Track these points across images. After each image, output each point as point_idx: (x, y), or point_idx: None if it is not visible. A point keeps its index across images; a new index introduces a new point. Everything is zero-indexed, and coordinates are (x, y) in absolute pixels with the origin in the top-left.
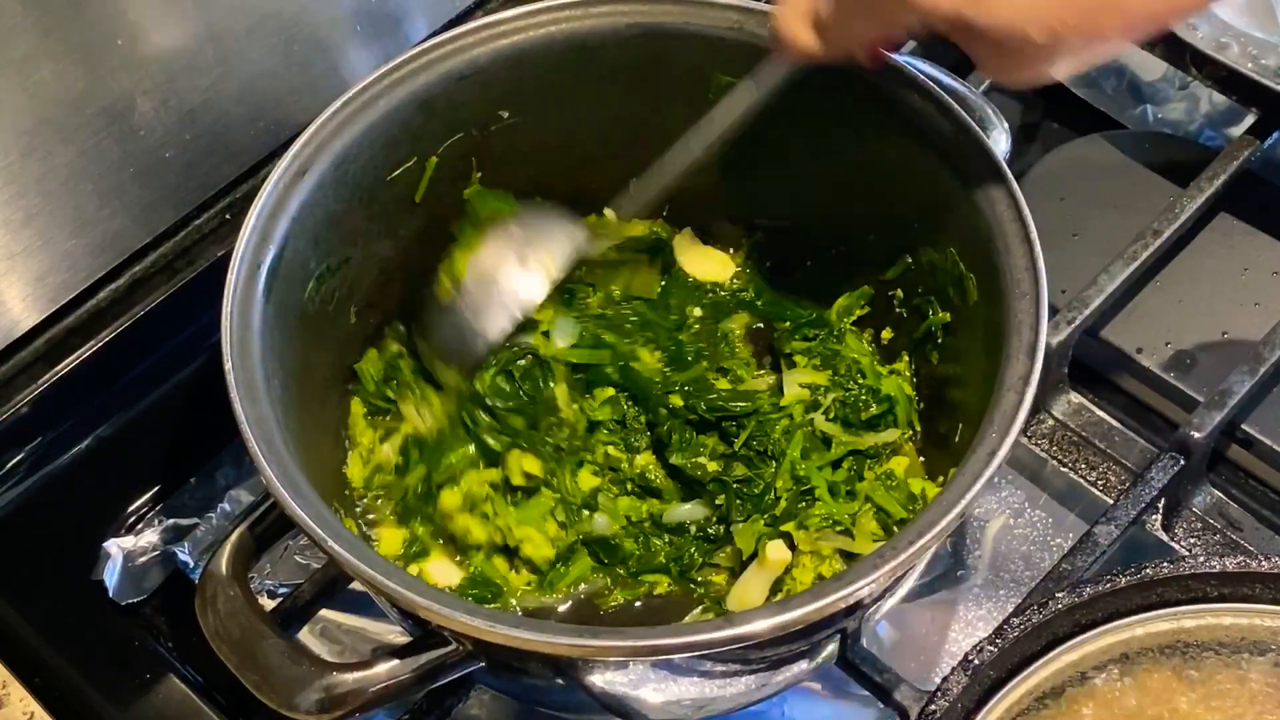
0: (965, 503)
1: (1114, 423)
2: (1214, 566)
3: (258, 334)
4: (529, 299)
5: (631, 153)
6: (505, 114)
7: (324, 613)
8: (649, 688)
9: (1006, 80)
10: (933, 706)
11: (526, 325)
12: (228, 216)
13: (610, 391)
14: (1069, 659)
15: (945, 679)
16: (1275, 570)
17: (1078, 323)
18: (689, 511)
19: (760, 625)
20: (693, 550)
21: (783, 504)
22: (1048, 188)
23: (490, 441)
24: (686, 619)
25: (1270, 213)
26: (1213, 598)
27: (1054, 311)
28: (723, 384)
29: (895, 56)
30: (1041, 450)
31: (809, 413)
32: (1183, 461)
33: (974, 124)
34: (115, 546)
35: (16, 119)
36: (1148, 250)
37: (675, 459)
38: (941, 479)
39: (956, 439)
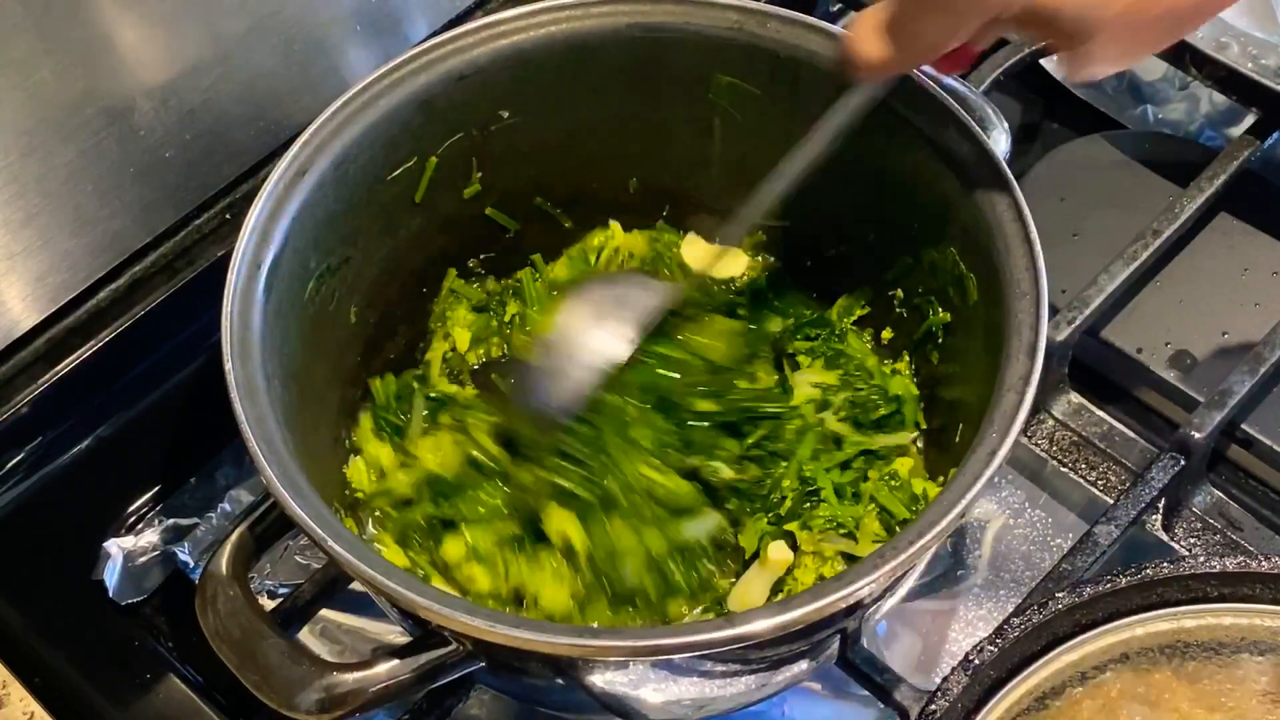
0: (965, 503)
1: (1114, 423)
2: (1214, 566)
3: (258, 334)
4: (613, 356)
5: (631, 153)
6: (505, 114)
7: (324, 613)
8: (649, 688)
9: (1087, 74)
10: (933, 706)
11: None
12: (228, 216)
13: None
14: (1069, 659)
15: (945, 679)
16: (1275, 570)
17: (1078, 323)
18: (704, 525)
19: (760, 625)
20: (709, 566)
21: (788, 503)
22: (1048, 188)
23: (582, 493)
24: (686, 619)
25: (1270, 213)
26: (1213, 598)
27: (1054, 311)
28: (742, 383)
29: None
30: (1041, 450)
31: (820, 412)
32: (1183, 461)
33: (974, 124)
34: (115, 546)
35: (16, 119)
36: (1148, 250)
37: (696, 461)
38: (941, 479)
39: (956, 439)
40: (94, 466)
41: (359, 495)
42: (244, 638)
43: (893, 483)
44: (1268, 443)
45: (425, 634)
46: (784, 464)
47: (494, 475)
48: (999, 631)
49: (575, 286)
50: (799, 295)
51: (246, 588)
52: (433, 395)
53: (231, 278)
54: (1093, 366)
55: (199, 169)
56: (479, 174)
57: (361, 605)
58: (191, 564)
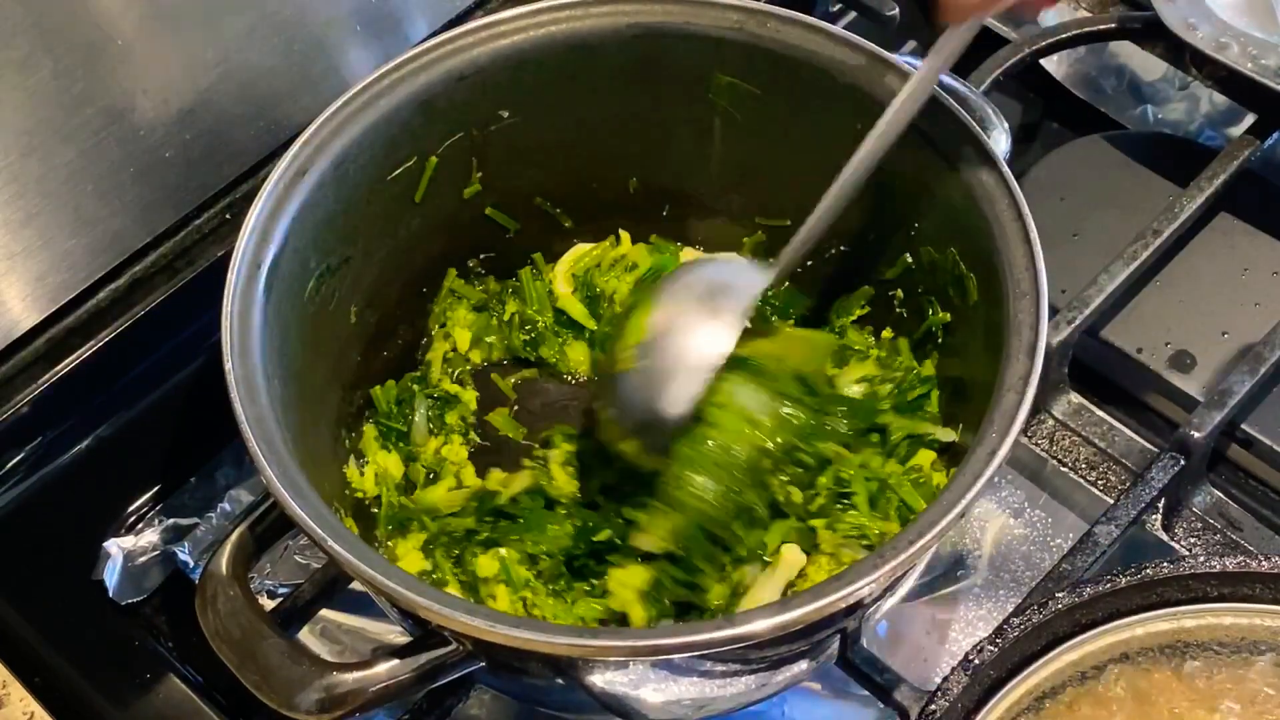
0: (965, 503)
1: (1114, 423)
2: (1214, 566)
3: (258, 334)
4: (719, 349)
5: (631, 153)
6: (505, 114)
7: (324, 613)
8: (649, 688)
9: None
10: (933, 706)
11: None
12: (228, 216)
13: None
14: (1069, 659)
15: (945, 679)
16: (1275, 570)
17: (1078, 323)
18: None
19: (760, 625)
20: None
21: (820, 500)
22: (1048, 188)
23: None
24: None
25: (1270, 213)
26: (1213, 598)
27: (1054, 311)
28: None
29: (897, 57)
30: (1041, 450)
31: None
32: (1183, 461)
33: (974, 124)
34: (115, 546)
35: (16, 119)
36: (1148, 250)
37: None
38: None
39: (957, 439)
40: (94, 466)
41: (359, 495)
42: (244, 638)
43: (915, 476)
44: (1268, 443)
45: (425, 634)
46: (826, 466)
47: (565, 508)
48: (999, 631)
49: (659, 284)
50: (799, 295)
51: (246, 588)
52: (434, 394)
53: (231, 278)
54: (1093, 366)
55: (199, 169)
56: (479, 174)
57: (361, 605)
58: (191, 564)
